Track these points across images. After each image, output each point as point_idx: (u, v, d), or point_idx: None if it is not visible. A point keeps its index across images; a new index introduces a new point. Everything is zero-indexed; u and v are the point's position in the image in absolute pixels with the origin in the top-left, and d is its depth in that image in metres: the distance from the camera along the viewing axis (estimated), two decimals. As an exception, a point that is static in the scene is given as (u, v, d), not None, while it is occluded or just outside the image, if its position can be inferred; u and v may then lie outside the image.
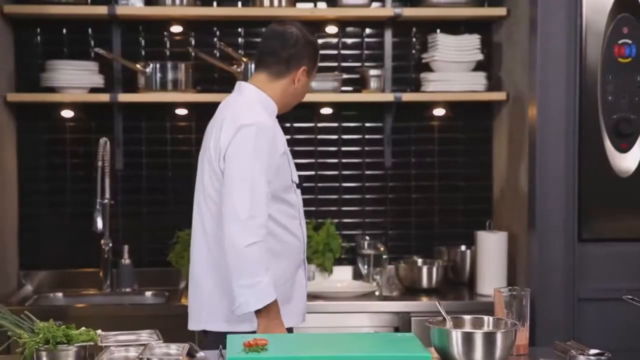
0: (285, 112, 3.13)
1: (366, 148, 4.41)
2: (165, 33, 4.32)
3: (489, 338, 2.39)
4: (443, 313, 2.54)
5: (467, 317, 2.59)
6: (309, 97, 4.09)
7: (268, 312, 2.79)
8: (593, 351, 2.35)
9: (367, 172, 4.42)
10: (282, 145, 2.97)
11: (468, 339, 2.39)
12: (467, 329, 2.54)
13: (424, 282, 4.06)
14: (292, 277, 3.02)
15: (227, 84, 4.22)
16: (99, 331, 2.50)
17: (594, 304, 3.65)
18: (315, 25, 4.35)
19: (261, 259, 2.78)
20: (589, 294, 3.66)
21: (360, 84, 4.30)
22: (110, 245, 4.12)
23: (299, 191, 3.07)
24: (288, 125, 4.31)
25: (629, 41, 3.68)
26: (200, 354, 2.50)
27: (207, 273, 2.96)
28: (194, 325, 3.03)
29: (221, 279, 2.90)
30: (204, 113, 4.30)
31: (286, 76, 3.02)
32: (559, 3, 3.65)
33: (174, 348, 2.42)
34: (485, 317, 2.58)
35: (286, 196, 2.98)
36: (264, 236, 2.80)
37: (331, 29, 4.37)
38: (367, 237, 4.28)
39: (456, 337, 2.39)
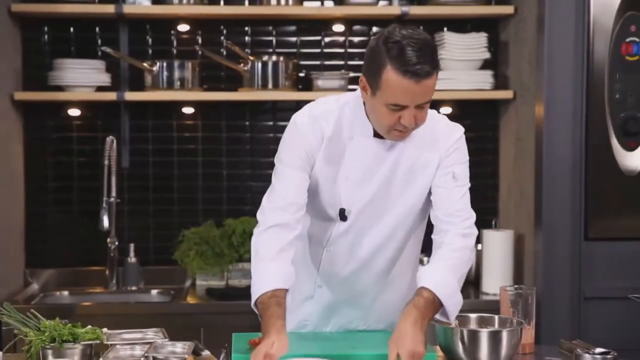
0: (385, 136, 2.50)
1: (373, 147, 4.40)
2: (172, 32, 4.32)
3: (495, 337, 2.39)
4: None
5: (473, 316, 2.59)
6: (315, 96, 4.07)
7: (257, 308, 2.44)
8: (599, 350, 2.35)
9: (374, 171, 4.41)
10: (323, 161, 2.52)
11: (473, 337, 2.38)
12: (473, 327, 2.53)
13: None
14: (297, 306, 2.66)
15: (233, 83, 4.23)
16: (104, 329, 2.50)
17: (600, 302, 3.65)
18: (322, 24, 4.35)
19: (259, 247, 2.49)
20: (595, 292, 3.66)
21: (366, 83, 4.29)
22: (117, 243, 4.12)
23: (343, 224, 2.56)
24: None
25: (637, 39, 3.67)
26: (206, 352, 2.50)
27: None
28: None
29: None
30: (210, 111, 4.33)
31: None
32: (566, 1, 3.65)
33: (179, 346, 2.42)
34: (491, 316, 2.57)
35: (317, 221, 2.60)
36: (269, 224, 2.48)
37: (338, 28, 4.36)
38: (374, 236, 4.27)
39: (461, 335, 2.39)
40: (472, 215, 2.62)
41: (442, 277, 2.44)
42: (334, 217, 2.56)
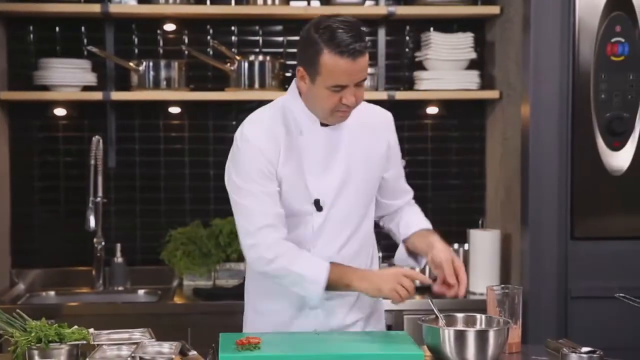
0: (328, 122, 2.62)
1: (359, 146, 4.40)
2: (158, 31, 4.31)
3: (482, 336, 2.39)
4: (435, 311, 2.54)
5: (460, 315, 2.59)
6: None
7: (339, 285, 2.56)
8: (585, 349, 2.35)
9: (361, 171, 4.41)
10: (285, 163, 2.61)
11: (460, 337, 2.39)
12: (460, 327, 2.54)
13: (417, 280, 4.04)
14: (287, 323, 2.72)
15: (220, 83, 4.23)
16: (91, 330, 2.49)
17: (586, 302, 3.66)
18: (309, 24, 4.35)
19: (281, 268, 2.56)
20: (581, 292, 3.67)
21: (353, 83, 4.29)
22: (103, 243, 4.11)
23: (320, 214, 2.65)
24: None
25: (622, 39, 3.68)
26: (193, 352, 2.50)
27: None
28: None
29: None
30: (197, 111, 4.33)
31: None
32: (552, 1, 3.65)
33: (166, 346, 2.41)
34: (478, 315, 2.57)
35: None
36: (271, 247, 2.56)
37: (324, 28, 4.36)
38: (361, 236, 4.27)
39: (448, 335, 2.39)
40: None
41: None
42: (310, 210, 2.63)
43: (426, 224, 2.83)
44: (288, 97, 2.67)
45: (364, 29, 2.54)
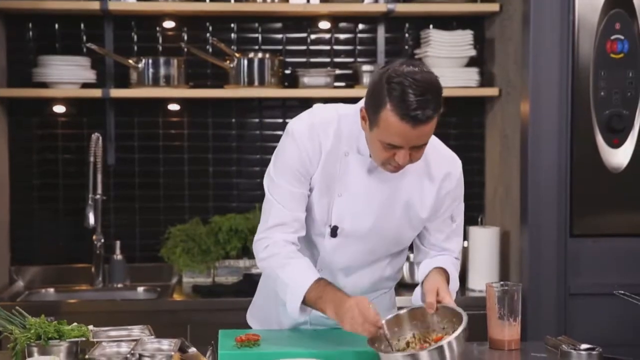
0: (380, 167, 2.43)
1: (359, 144, 4.40)
2: (157, 28, 4.31)
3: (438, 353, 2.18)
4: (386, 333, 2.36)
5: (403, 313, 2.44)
6: (301, 93, 4.12)
7: (316, 307, 2.41)
8: (584, 346, 2.35)
9: (360, 168, 4.41)
10: (319, 173, 2.47)
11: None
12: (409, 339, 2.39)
13: (416, 277, 4.04)
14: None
15: (219, 80, 4.22)
16: (90, 327, 2.49)
17: (585, 299, 3.67)
18: (308, 21, 4.35)
19: (271, 270, 2.49)
20: (580, 289, 3.68)
21: (353, 80, 4.30)
22: (102, 240, 4.11)
23: (332, 240, 2.53)
24: (280, 121, 4.31)
25: (621, 37, 3.69)
26: (192, 349, 2.49)
27: None
28: None
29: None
30: (196, 109, 4.33)
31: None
32: (551, -1, 3.66)
33: (165, 343, 2.41)
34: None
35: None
36: (269, 247, 2.48)
37: (324, 25, 4.36)
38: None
39: None
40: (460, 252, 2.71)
41: (452, 272, 2.58)
42: (324, 233, 2.53)
43: (443, 262, 2.57)
44: (353, 112, 2.47)
45: (438, 92, 2.29)
